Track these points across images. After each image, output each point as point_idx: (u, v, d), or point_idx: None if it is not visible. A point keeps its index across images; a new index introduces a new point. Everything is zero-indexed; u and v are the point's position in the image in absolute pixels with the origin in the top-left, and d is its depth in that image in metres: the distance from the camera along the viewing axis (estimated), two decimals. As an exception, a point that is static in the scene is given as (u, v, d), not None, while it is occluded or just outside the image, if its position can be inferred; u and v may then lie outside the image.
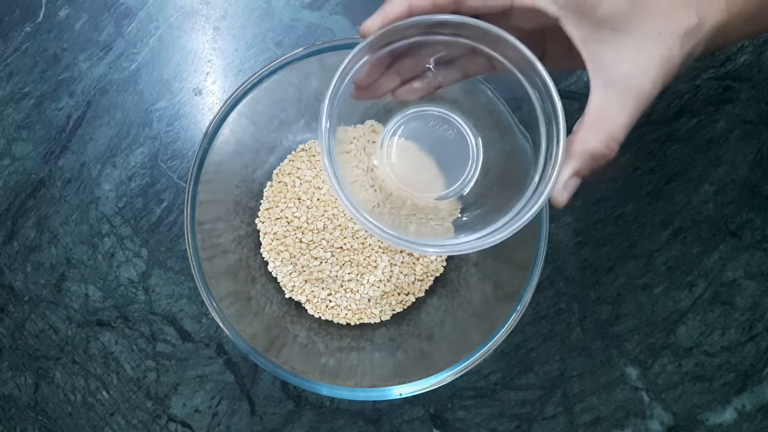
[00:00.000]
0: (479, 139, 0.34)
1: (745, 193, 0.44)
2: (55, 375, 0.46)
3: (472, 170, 0.34)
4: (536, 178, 0.28)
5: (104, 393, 0.46)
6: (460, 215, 0.34)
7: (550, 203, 0.28)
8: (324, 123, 0.28)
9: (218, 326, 0.37)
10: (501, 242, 0.28)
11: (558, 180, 0.27)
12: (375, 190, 0.34)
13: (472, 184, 0.34)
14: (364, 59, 0.29)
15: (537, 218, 0.36)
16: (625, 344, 0.44)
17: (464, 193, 0.34)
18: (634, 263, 0.44)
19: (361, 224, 0.28)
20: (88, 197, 0.47)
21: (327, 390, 0.36)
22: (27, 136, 0.48)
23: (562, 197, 0.27)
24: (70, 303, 0.46)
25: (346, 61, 0.28)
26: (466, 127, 0.34)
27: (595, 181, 0.45)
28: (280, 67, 0.38)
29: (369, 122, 0.40)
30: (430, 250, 0.28)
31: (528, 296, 0.36)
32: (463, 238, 0.29)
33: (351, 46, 0.37)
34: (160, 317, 0.46)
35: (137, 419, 0.45)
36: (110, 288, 0.46)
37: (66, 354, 0.46)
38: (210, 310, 0.37)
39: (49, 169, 0.48)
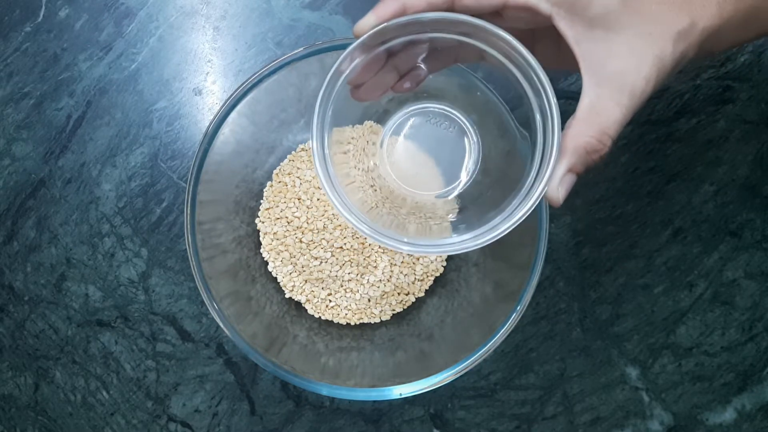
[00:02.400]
0: (479, 136, 0.34)
1: (745, 193, 0.44)
2: (55, 375, 0.46)
3: (472, 168, 0.34)
4: (532, 176, 0.28)
5: (104, 393, 0.46)
6: (457, 215, 0.34)
7: (549, 203, 0.27)
8: (316, 124, 0.28)
9: (218, 326, 0.37)
10: (501, 242, 0.28)
11: (553, 177, 0.27)
12: (375, 190, 0.34)
13: (471, 181, 0.34)
14: (358, 59, 0.28)
15: (537, 218, 0.36)
16: (625, 344, 0.44)
17: (463, 191, 0.34)
18: (634, 263, 0.44)
19: (348, 223, 0.28)
20: (88, 197, 0.47)
21: (327, 390, 0.36)
22: (27, 136, 0.48)
23: (558, 194, 0.27)
24: (70, 303, 0.46)
25: (339, 61, 0.28)
26: (467, 123, 0.34)
27: (595, 180, 0.45)
28: (280, 67, 0.38)
29: (368, 123, 0.40)
30: (416, 249, 0.28)
31: (528, 296, 0.36)
32: (456, 238, 0.29)
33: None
34: (160, 317, 0.46)
35: (137, 419, 0.45)
36: (110, 288, 0.46)
37: (66, 354, 0.46)
38: (210, 310, 0.37)
39: (49, 169, 0.48)
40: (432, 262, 0.44)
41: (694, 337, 0.43)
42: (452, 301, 0.43)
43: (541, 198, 0.27)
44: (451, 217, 0.34)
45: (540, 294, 0.44)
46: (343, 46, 0.37)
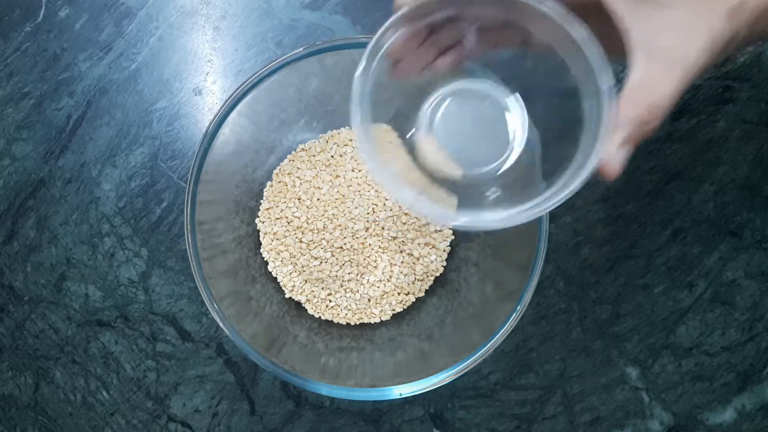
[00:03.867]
0: (526, 110, 0.32)
1: (745, 193, 0.44)
2: (55, 375, 0.46)
3: (520, 141, 0.32)
4: (581, 155, 0.27)
5: (104, 393, 0.46)
6: (495, 190, 0.33)
7: (605, 175, 0.26)
8: (357, 92, 0.27)
9: (218, 326, 0.37)
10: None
11: (610, 145, 0.26)
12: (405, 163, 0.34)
13: (518, 156, 0.32)
14: (399, 32, 0.28)
15: (537, 218, 0.35)
16: (625, 344, 0.44)
17: (511, 165, 0.32)
18: (634, 263, 0.44)
19: (395, 195, 0.26)
20: (88, 197, 0.47)
21: (327, 390, 0.36)
22: (27, 136, 0.48)
23: (615, 162, 0.26)
24: (70, 303, 0.46)
25: (380, 32, 0.27)
26: (514, 99, 0.32)
27: (596, 180, 0.45)
28: (280, 67, 0.38)
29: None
30: (478, 221, 0.27)
31: (528, 296, 0.36)
32: (517, 209, 0.27)
33: (351, 46, 0.37)
34: (160, 317, 0.46)
35: (137, 419, 0.45)
36: (110, 288, 0.46)
37: (66, 354, 0.46)
38: (210, 310, 0.37)
39: (49, 169, 0.48)
40: (432, 262, 0.44)
41: (694, 337, 0.43)
42: (452, 301, 0.43)
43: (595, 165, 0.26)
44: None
45: (540, 294, 0.44)
46: (343, 46, 0.37)
